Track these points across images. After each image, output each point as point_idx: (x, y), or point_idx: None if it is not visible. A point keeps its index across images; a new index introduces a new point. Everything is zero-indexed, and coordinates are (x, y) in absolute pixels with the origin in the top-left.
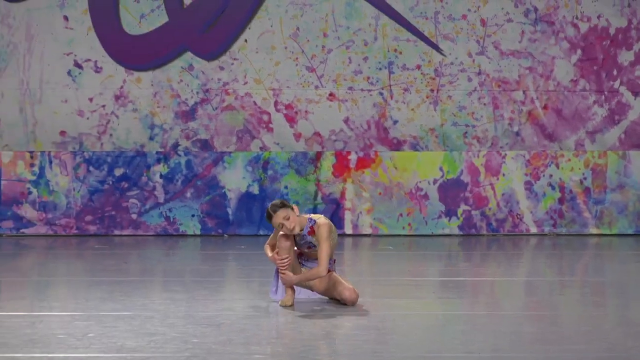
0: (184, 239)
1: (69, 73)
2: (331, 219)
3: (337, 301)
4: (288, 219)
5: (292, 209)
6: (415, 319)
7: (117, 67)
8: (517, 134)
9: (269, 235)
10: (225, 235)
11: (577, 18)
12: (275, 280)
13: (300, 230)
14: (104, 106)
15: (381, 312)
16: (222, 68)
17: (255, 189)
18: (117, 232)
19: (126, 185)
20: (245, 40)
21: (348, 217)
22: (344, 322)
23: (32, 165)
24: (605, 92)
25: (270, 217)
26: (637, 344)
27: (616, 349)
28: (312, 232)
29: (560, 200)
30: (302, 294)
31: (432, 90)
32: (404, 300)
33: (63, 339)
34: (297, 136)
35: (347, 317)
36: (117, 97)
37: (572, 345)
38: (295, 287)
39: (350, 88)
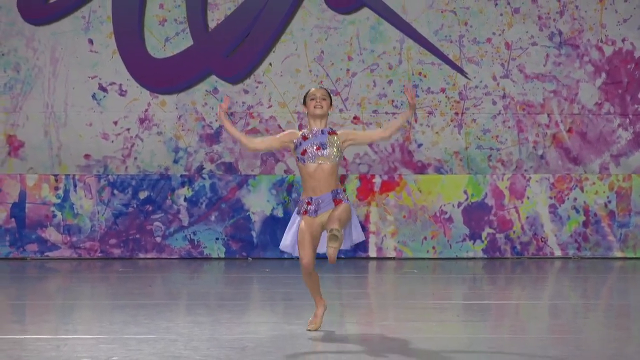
0: (208, 262)
1: (93, 96)
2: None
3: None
4: (325, 99)
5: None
6: (439, 343)
7: (142, 90)
8: (542, 157)
9: (292, 259)
10: (250, 258)
11: (601, 41)
12: (287, 234)
13: (322, 125)
14: (128, 129)
15: (405, 334)
16: (246, 91)
17: (279, 212)
18: (141, 255)
19: (150, 209)
20: (270, 64)
21: (372, 240)
22: (368, 346)
23: (56, 188)
24: (630, 115)
25: (309, 90)
26: None
27: None
28: (333, 132)
29: (585, 224)
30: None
31: (456, 114)
32: (427, 323)
33: None
34: None
35: (371, 341)
36: (141, 120)
37: None
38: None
39: (374, 111)
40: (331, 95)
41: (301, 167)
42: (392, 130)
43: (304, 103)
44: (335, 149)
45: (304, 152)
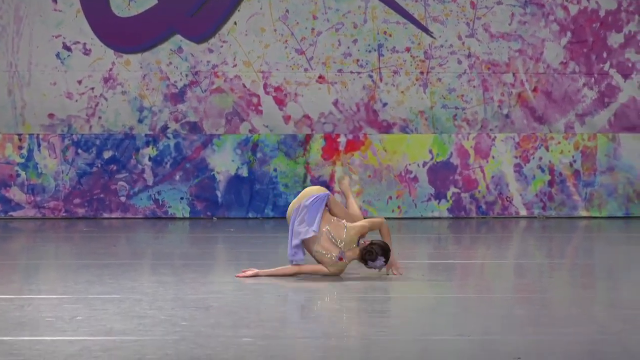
0: (173, 222)
1: (57, 55)
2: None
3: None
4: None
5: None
6: (406, 302)
7: (106, 49)
8: (507, 116)
9: (257, 219)
10: (214, 217)
11: (567, 0)
12: (290, 243)
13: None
14: (92, 89)
15: (370, 294)
16: (211, 50)
17: (244, 172)
18: (105, 215)
19: (115, 168)
20: (235, 23)
21: (337, 199)
22: (333, 305)
23: (20, 147)
24: (595, 75)
25: (376, 259)
26: (627, 326)
27: (606, 331)
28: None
29: (550, 183)
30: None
31: (421, 73)
32: (393, 282)
33: (51, 322)
34: (287, 119)
35: (336, 300)
36: (105, 80)
37: (562, 328)
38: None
39: (339, 71)
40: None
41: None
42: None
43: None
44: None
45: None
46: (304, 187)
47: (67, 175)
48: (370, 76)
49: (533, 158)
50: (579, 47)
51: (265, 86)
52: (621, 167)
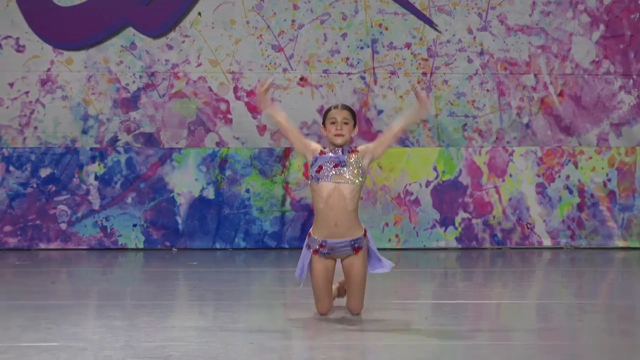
0: (124, 254)
1: None
2: (302, 229)
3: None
4: (347, 123)
5: (355, 123)
6: (404, 352)
7: (44, 45)
8: (527, 126)
9: (225, 250)
10: (174, 249)
11: None
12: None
13: (342, 145)
14: (27, 93)
15: (362, 342)
16: (170, 47)
17: (210, 193)
18: (42, 245)
19: (54, 189)
20: (199, 14)
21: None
22: (317, 355)
23: None
24: (634, 76)
25: (329, 110)
26: None
27: None
28: (353, 151)
29: (580, 207)
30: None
31: (424, 74)
32: (390, 328)
33: None
34: (261, 129)
35: (321, 348)
36: (43, 82)
37: None
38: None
39: (325, 71)
40: (355, 114)
41: (315, 188)
42: (407, 121)
43: (323, 124)
44: (356, 169)
45: (319, 168)
46: (282, 212)
47: None
48: (363, 78)
49: (559, 177)
50: (615, 43)
51: (235, 90)
52: None
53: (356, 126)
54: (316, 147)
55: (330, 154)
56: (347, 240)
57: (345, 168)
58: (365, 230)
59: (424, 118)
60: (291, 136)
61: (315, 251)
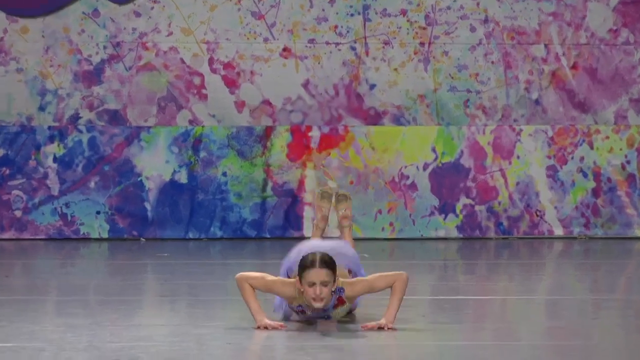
0: (86, 244)
1: None
2: (286, 217)
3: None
4: (326, 285)
5: (336, 278)
6: (400, 352)
7: None
8: (537, 102)
9: (199, 240)
10: (142, 239)
11: None
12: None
13: (325, 305)
14: None
15: (354, 341)
16: (138, 14)
17: (182, 177)
18: None
19: (7, 172)
20: None
21: (308, 214)
22: (300, 356)
23: None
24: None
25: (306, 266)
26: None
27: None
28: (340, 302)
29: (595, 192)
30: None
31: (421, 44)
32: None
33: None
34: (240, 105)
35: (309, 349)
36: None
37: None
38: None
39: (311, 41)
40: (335, 266)
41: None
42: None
43: (299, 276)
44: (344, 313)
45: (303, 312)
46: (262, 197)
47: None
48: (353, 48)
49: (572, 158)
50: (635, 10)
51: (211, 62)
52: None
53: (337, 279)
54: (289, 294)
55: (309, 313)
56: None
57: (331, 318)
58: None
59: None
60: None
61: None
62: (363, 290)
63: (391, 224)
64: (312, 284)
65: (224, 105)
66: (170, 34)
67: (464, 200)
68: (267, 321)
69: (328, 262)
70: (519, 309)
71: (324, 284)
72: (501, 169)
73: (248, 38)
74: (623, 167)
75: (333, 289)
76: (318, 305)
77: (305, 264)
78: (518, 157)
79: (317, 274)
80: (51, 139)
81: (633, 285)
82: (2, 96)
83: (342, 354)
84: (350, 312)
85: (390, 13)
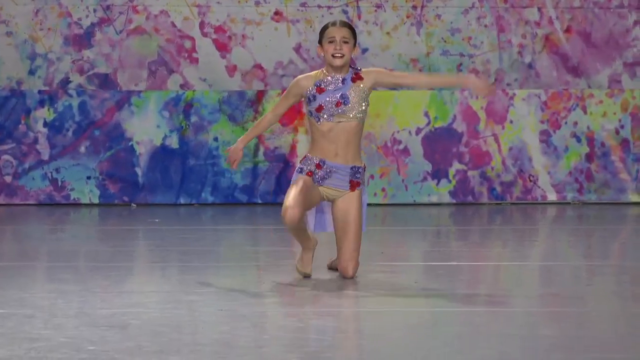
0: (77, 210)
1: None
2: (277, 183)
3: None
4: (347, 42)
5: (356, 42)
6: (393, 319)
7: None
8: (530, 66)
9: (191, 206)
10: (133, 204)
11: None
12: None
13: (344, 72)
14: None
15: (347, 308)
16: None
17: (173, 142)
18: None
19: None
20: None
21: None
22: (294, 322)
23: None
24: None
25: (327, 27)
26: None
27: None
28: (357, 77)
29: (589, 157)
30: (317, 226)
31: (414, 7)
32: (377, 293)
33: None
34: (231, 70)
35: (299, 314)
36: None
37: (604, 354)
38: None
39: (302, 4)
40: (355, 32)
41: (313, 123)
42: (440, 81)
43: (320, 42)
44: (361, 102)
45: (320, 108)
46: (254, 163)
47: None
48: (345, 12)
49: (566, 123)
50: None
51: (202, 25)
52: None
53: (357, 45)
54: (303, 80)
55: (330, 85)
56: (348, 165)
57: (348, 105)
58: (365, 167)
59: (474, 90)
60: (279, 109)
61: (310, 172)
62: (374, 75)
63: (383, 189)
64: (333, 40)
65: (215, 69)
66: None
67: (456, 166)
68: (234, 147)
69: (349, 24)
70: (513, 275)
71: (344, 40)
72: (494, 133)
73: (239, 1)
74: (617, 132)
75: (353, 54)
76: (338, 62)
77: (326, 26)
78: (511, 121)
79: (338, 30)
80: (41, 104)
81: (627, 251)
82: None
83: (335, 319)
84: (366, 103)
85: None
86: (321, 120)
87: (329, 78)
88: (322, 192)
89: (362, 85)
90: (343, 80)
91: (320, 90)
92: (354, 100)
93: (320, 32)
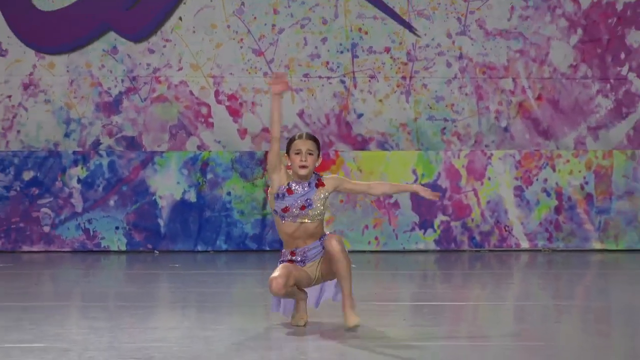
0: (107, 256)
1: None
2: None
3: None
4: (311, 154)
5: (320, 154)
6: (384, 352)
7: (26, 49)
8: (506, 129)
9: (207, 253)
10: (156, 251)
11: None
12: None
13: (307, 179)
14: (9, 97)
15: (342, 342)
16: (151, 51)
17: (191, 196)
18: (25, 247)
19: (37, 192)
20: (180, 18)
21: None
22: (298, 356)
23: None
24: (611, 80)
25: (294, 139)
26: None
27: None
28: (320, 184)
29: (557, 210)
30: (311, 299)
31: (403, 78)
32: (369, 328)
33: None
34: (242, 133)
35: (302, 350)
36: (25, 86)
37: None
38: (306, 290)
39: (305, 75)
40: (319, 144)
41: (278, 222)
42: (394, 189)
43: (287, 152)
44: (321, 206)
45: (286, 209)
46: (263, 214)
47: None
48: (343, 82)
49: (537, 180)
50: (592, 47)
51: (216, 94)
52: None
53: (320, 156)
54: (284, 177)
55: (298, 189)
56: (317, 241)
57: (311, 208)
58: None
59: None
60: (276, 146)
61: (290, 261)
62: (335, 182)
63: (376, 238)
64: (299, 152)
65: (228, 132)
66: (181, 69)
67: (441, 217)
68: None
69: (313, 137)
70: (490, 313)
71: (309, 152)
72: (474, 189)
73: (249, 72)
74: (582, 188)
75: (317, 163)
76: (303, 172)
77: (294, 138)
78: (489, 178)
79: (304, 143)
80: (75, 163)
81: (591, 293)
82: (32, 124)
83: (333, 352)
84: (324, 207)
85: (375, 50)
86: (286, 220)
87: (294, 185)
88: (310, 273)
89: (323, 191)
90: (309, 184)
91: (290, 191)
92: (317, 204)
93: (288, 142)
